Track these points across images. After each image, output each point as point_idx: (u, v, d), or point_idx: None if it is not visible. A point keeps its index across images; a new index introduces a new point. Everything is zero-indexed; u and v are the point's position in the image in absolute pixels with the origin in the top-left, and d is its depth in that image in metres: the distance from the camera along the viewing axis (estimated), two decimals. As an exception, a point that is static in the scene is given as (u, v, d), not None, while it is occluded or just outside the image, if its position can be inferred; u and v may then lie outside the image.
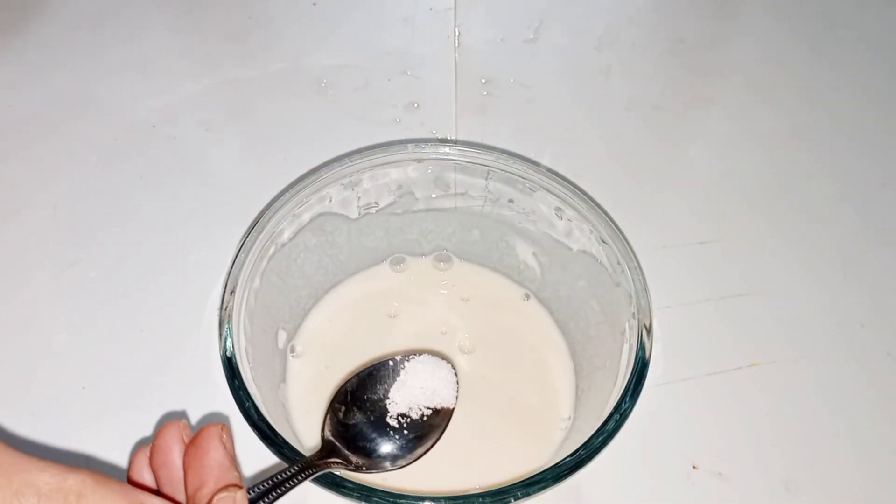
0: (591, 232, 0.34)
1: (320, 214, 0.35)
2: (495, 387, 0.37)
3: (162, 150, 0.48)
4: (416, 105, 0.51)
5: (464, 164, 0.36)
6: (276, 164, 0.47)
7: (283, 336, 0.36)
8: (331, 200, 0.35)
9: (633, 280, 0.32)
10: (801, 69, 0.55)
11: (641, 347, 0.31)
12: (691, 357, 0.39)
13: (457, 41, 0.55)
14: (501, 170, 0.36)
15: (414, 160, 0.35)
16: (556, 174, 0.36)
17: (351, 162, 0.35)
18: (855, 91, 0.54)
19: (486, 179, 0.36)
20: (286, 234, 0.34)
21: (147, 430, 0.36)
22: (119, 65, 0.53)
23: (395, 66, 0.53)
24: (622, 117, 0.51)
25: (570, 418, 0.36)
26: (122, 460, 0.35)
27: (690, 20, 0.58)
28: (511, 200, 0.37)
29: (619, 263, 0.33)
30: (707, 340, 0.40)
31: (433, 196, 0.38)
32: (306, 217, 0.35)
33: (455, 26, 0.56)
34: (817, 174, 0.49)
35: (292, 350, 0.37)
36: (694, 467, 0.36)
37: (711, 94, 0.53)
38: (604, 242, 0.34)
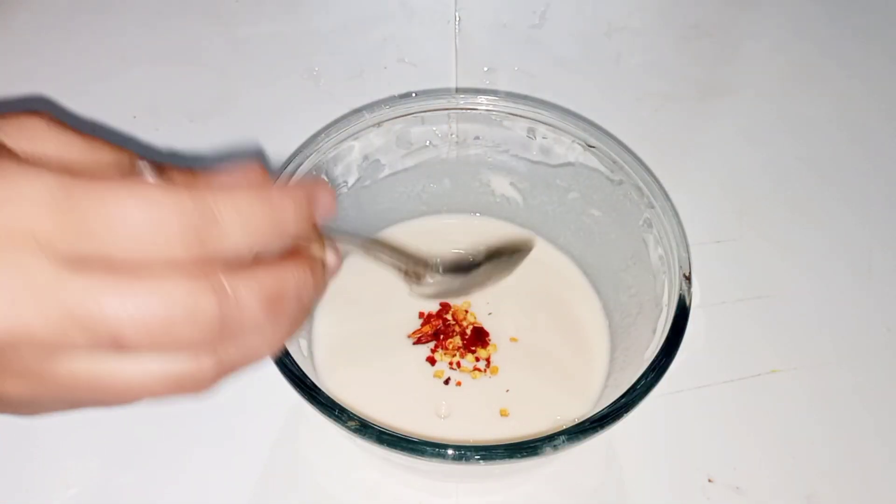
0: (574, 141, 0.35)
1: None
2: (526, 342, 0.38)
3: (143, 142, 0.47)
4: (413, 95, 0.50)
5: (422, 114, 0.37)
6: (264, 156, 0.47)
7: (303, 344, 0.36)
8: None
9: (636, 172, 0.34)
10: (824, 55, 0.55)
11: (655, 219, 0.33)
12: (707, 363, 0.39)
13: (457, 27, 0.55)
14: (463, 108, 0.37)
15: (373, 125, 0.36)
16: (521, 96, 0.37)
17: (316, 146, 0.35)
18: (883, 81, 0.53)
19: (449, 123, 0.37)
20: None
21: (124, 441, 0.36)
22: (97, 52, 0.52)
23: (391, 53, 0.53)
24: (633, 108, 0.51)
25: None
26: (98, 472, 0.35)
27: (706, 4, 0.58)
28: (477, 137, 0.38)
29: (614, 162, 0.34)
30: (724, 346, 0.40)
31: (400, 156, 0.38)
32: None
33: (456, 11, 0.56)
34: (842, 168, 0.48)
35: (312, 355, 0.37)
36: (710, 481, 0.35)
37: (728, 83, 0.53)
38: (590, 147, 0.35)
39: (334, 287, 0.38)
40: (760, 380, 0.39)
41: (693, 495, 0.35)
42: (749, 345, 0.40)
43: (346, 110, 0.49)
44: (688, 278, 0.32)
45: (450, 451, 0.26)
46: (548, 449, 0.27)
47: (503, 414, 0.35)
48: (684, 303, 0.31)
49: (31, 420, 0.36)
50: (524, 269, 0.40)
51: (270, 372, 0.37)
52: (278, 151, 0.47)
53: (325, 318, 0.38)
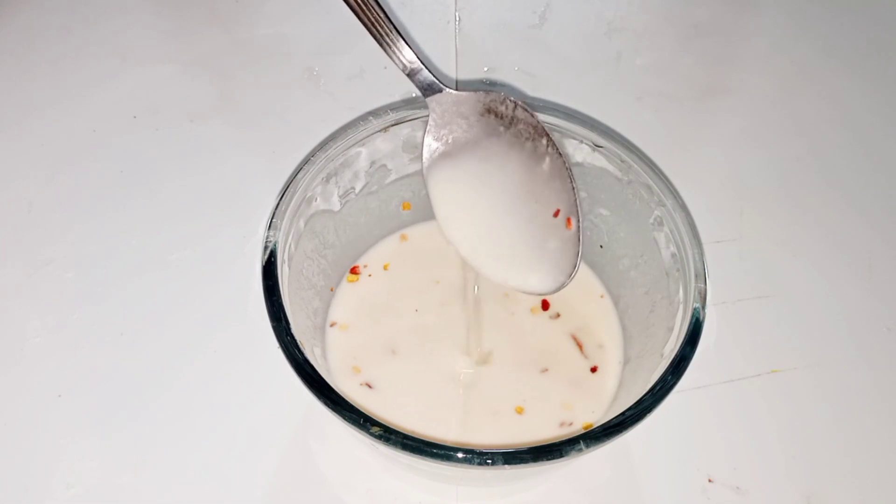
0: (581, 142, 0.35)
1: (311, 216, 0.35)
2: (537, 341, 0.37)
3: (143, 142, 0.48)
4: (414, 94, 0.50)
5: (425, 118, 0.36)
6: (264, 156, 0.47)
7: (317, 352, 0.36)
8: (317, 199, 0.35)
9: (645, 171, 0.34)
10: (824, 56, 0.55)
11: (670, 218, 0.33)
12: (707, 363, 0.39)
13: (457, 27, 0.55)
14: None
15: (380, 130, 0.36)
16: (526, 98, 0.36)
17: (325, 152, 0.35)
18: (884, 81, 0.53)
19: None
20: (291, 248, 0.34)
21: (125, 442, 0.36)
22: (97, 51, 0.52)
23: (391, 52, 0.53)
24: (633, 108, 0.51)
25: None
26: (98, 472, 0.35)
27: (706, 4, 0.58)
28: None
29: (622, 161, 0.34)
30: (724, 346, 0.40)
31: (406, 161, 0.38)
32: (301, 223, 0.34)
33: (456, 11, 0.56)
34: (842, 168, 0.49)
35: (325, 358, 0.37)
36: (710, 481, 0.36)
37: (728, 83, 0.53)
38: (598, 147, 0.35)
39: (350, 294, 0.39)
40: (760, 380, 0.39)
41: (693, 495, 0.35)
42: (749, 344, 0.40)
43: (346, 110, 0.49)
44: (703, 280, 0.31)
45: (471, 456, 0.26)
46: (573, 452, 0.26)
47: (518, 411, 0.35)
48: (703, 299, 0.31)
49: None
50: None
51: (269, 372, 0.38)
52: (279, 151, 0.47)
53: (339, 324, 0.38)
